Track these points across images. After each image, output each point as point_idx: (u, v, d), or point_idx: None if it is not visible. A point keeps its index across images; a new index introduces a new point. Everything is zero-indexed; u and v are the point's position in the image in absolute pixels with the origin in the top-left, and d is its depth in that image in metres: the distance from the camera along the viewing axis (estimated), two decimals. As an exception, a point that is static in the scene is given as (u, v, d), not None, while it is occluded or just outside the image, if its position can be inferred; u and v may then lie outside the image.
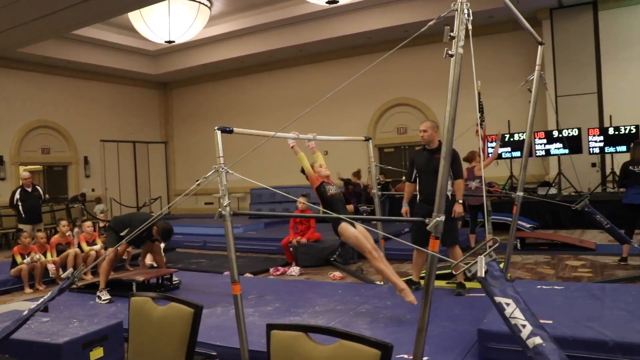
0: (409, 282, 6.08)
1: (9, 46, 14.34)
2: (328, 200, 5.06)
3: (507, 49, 14.33)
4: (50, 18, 12.27)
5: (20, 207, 10.11)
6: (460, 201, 5.75)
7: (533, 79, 5.61)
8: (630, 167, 7.78)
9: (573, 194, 11.70)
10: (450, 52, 3.01)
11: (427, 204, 5.38)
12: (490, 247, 2.69)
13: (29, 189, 10.27)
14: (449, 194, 5.66)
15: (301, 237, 8.65)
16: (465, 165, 9.04)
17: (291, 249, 8.69)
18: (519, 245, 8.95)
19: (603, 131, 11.90)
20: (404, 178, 7.40)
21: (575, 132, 12.01)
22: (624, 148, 11.42)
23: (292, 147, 5.21)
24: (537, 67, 5.57)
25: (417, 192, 5.92)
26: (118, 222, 7.15)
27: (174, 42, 14.82)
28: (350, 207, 10.90)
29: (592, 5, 12.85)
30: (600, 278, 6.73)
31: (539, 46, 5.54)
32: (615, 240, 7.11)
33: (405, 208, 6.14)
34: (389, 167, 8.62)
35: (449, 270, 6.25)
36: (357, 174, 13.27)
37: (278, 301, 5.86)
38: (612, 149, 11.76)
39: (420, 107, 15.74)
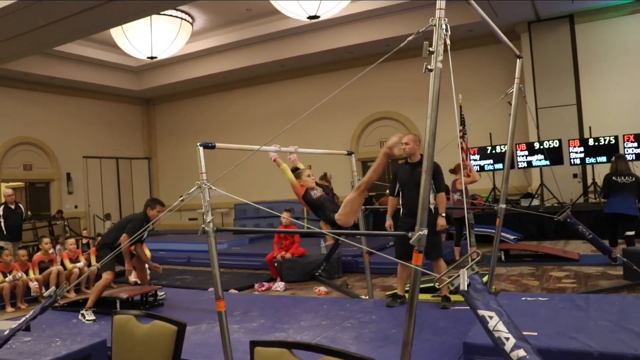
0: (394, 296, 6.09)
1: (-11, 63, 14.25)
2: (316, 204, 4.99)
3: (488, 62, 14.51)
4: (32, 35, 12.19)
5: (2, 224, 10.00)
6: (444, 214, 5.77)
7: (512, 92, 5.68)
8: (614, 178, 7.92)
9: (556, 205, 11.81)
10: (429, 67, 3.05)
11: (411, 218, 5.39)
12: (472, 260, 2.71)
13: (12, 206, 10.18)
14: (432, 207, 5.69)
15: (285, 252, 8.63)
16: (452, 177, 9.12)
17: (276, 264, 8.66)
18: (503, 257, 8.99)
19: (583, 142, 12.05)
20: (387, 192, 7.40)
21: (556, 144, 12.16)
22: (604, 159, 11.58)
23: (274, 160, 5.19)
24: (516, 80, 5.64)
25: (401, 206, 5.94)
26: (109, 235, 6.96)
27: (156, 58, 14.81)
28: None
29: (569, 19, 13.09)
30: (584, 288, 6.77)
31: (518, 60, 5.61)
32: (597, 250, 7.18)
33: (389, 222, 6.16)
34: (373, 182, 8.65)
35: (434, 284, 6.27)
36: (324, 177, 13.26)
37: (263, 317, 5.83)
38: (592, 160, 11.91)
39: (403, 120, 15.85)
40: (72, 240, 9.01)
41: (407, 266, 5.57)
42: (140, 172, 20.69)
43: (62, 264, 8.49)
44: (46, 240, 8.72)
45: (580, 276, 7.56)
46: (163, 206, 6.79)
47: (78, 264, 8.55)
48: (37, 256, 8.45)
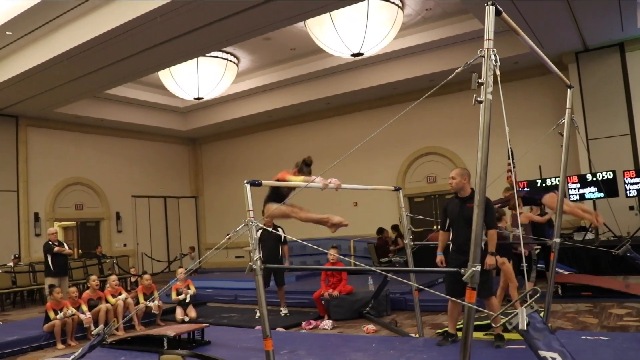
0: (445, 335, 5.89)
1: (45, 107, 14.88)
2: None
3: (533, 95, 14.27)
4: (84, 79, 12.74)
5: (50, 261, 10.31)
6: (494, 252, 5.56)
7: (564, 122, 5.52)
8: None
9: (612, 238, 11.34)
10: (479, 99, 2.98)
11: (460, 254, 5.25)
12: (530, 297, 2.58)
13: (56, 243, 10.49)
14: (482, 244, 5.48)
15: (333, 289, 8.51)
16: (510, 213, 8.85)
17: (323, 302, 8.54)
18: (560, 291, 8.60)
19: (639, 173, 11.59)
20: (435, 227, 7.24)
21: (610, 175, 11.73)
22: (663, 190, 11.16)
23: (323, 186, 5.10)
24: (567, 111, 5.50)
25: (450, 242, 5.76)
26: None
27: (202, 98, 15.17)
28: None
29: (619, 47, 12.76)
30: (649, 327, 6.41)
31: (568, 90, 5.48)
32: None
33: (440, 257, 5.96)
34: (420, 217, 8.51)
35: (487, 322, 6.04)
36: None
37: (311, 356, 5.71)
38: (650, 191, 11.42)
39: (449, 155, 15.65)
40: (114, 277, 9.12)
41: (458, 303, 5.41)
42: (187, 211, 21.00)
43: (107, 300, 8.59)
44: (93, 277, 8.82)
45: (644, 314, 7.17)
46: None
47: (120, 297, 8.64)
48: (86, 294, 8.56)
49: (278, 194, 5.12)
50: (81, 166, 17.21)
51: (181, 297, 9.28)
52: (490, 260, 5.45)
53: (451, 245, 5.72)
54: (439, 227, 6.09)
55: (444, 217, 5.86)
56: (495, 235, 5.51)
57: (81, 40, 10.62)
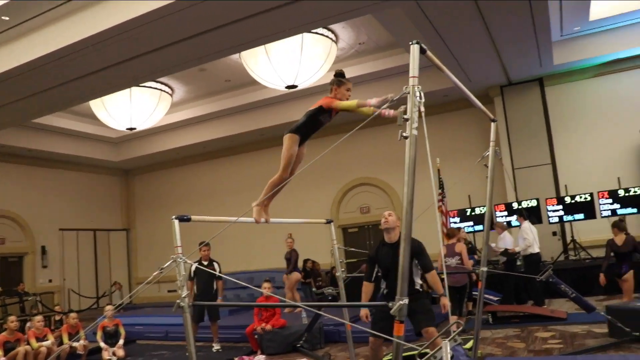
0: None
1: (-34, 137, 14.18)
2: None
3: (463, 126, 14.76)
4: (10, 107, 12.22)
5: None
6: (446, 294, 4.97)
7: (488, 154, 5.72)
8: None
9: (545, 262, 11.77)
10: (404, 134, 3.04)
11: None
12: (454, 331, 2.63)
13: None
14: (418, 287, 5.29)
15: (266, 323, 8.40)
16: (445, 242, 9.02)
17: (256, 336, 8.41)
18: (490, 319, 8.86)
19: (560, 200, 12.17)
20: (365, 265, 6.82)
21: (534, 203, 12.25)
22: (581, 216, 11.79)
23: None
24: (491, 143, 5.69)
25: (385, 289, 5.45)
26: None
27: (135, 129, 14.88)
28: None
29: (539, 82, 13.49)
30: (571, 349, 6.67)
31: (492, 123, 5.69)
32: (581, 309, 7.12)
33: (364, 311, 5.68)
34: (352, 249, 8.60)
35: (414, 352, 6.04)
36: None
37: (244, 393, 5.59)
38: (570, 218, 12.01)
39: (383, 186, 15.92)
40: (39, 318, 8.62)
41: (380, 347, 5.29)
42: (118, 244, 20.34)
43: (29, 343, 8.11)
44: (12, 318, 8.29)
45: (566, 336, 7.46)
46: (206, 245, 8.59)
47: (45, 343, 8.17)
48: (2, 336, 8.02)
49: (311, 125, 4.54)
50: (4, 198, 16.40)
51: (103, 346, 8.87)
52: (445, 300, 5.14)
53: (385, 291, 5.45)
54: (364, 277, 5.59)
55: (371, 267, 5.50)
56: (437, 277, 5.30)
57: (9, 66, 10.16)
